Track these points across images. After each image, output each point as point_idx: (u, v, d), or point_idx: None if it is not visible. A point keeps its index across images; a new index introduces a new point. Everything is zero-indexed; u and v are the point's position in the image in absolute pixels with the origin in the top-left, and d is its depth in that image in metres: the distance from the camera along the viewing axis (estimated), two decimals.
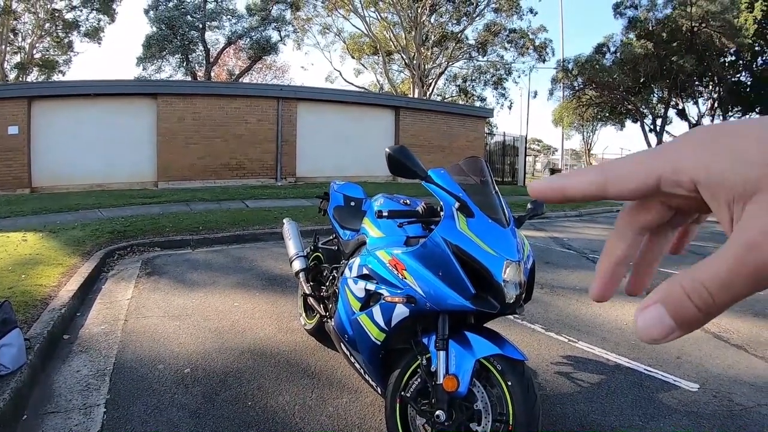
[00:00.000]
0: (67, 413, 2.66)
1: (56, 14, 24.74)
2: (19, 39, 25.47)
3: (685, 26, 22.33)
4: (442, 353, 1.98)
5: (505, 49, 28.45)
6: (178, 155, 14.38)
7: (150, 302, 4.63)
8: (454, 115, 19.40)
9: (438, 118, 18.76)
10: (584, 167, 0.34)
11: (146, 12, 23.85)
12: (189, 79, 25.58)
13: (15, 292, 4.20)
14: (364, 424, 2.56)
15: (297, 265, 3.54)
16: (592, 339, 3.81)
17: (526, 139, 22.18)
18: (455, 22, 27.44)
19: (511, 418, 1.86)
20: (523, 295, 2.07)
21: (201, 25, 24.25)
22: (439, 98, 30.80)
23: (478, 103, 29.91)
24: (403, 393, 2.15)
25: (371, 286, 2.30)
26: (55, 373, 3.14)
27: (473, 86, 30.77)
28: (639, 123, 26.40)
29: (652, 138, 25.91)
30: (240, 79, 28.86)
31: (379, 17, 26.87)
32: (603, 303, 4.49)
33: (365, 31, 27.64)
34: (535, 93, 42.33)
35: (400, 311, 2.14)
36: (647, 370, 3.26)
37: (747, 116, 22.00)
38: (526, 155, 22.33)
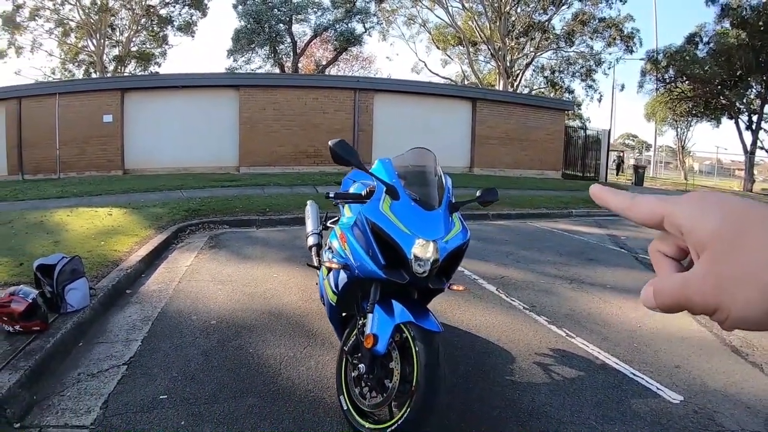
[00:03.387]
0: (112, 343, 3.35)
1: (151, 10, 26.99)
2: (117, 33, 28.04)
3: None
4: (369, 315, 2.29)
5: (591, 39, 27.08)
6: (259, 143, 15.46)
7: (204, 269, 5.32)
8: (532, 107, 18.96)
9: (516, 110, 18.44)
10: (645, 197, 0.41)
11: (235, 7, 25.43)
12: (277, 71, 27.07)
13: (93, 254, 5.07)
14: (333, 377, 2.90)
15: (310, 241, 3.99)
16: (592, 336, 3.80)
17: (609, 133, 21.05)
18: (541, 11, 26.55)
19: (414, 380, 2.10)
20: (435, 271, 2.29)
21: (287, 18, 25.47)
22: (526, 90, 30.01)
23: (566, 96, 28.78)
24: (344, 348, 2.49)
25: (329, 256, 2.71)
26: (113, 316, 3.88)
27: (561, 78, 29.61)
28: (734, 120, 24.03)
29: (747, 136, 23.43)
30: (326, 70, 29.97)
31: (463, 7, 26.66)
32: (627, 303, 4.47)
33: (449, 22, 27.57)
34: (622, 86, 39.51)
35: (342, 277, 2.52)
36: (634, 374, 3.19)
37: None
38: (609, 150, 21.22)
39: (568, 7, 26.33)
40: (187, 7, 27.52)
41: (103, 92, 15.16)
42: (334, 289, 2.62)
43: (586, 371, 3.23)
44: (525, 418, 2.61)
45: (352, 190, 3.06)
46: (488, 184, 13.51)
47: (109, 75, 25.32)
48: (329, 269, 2.69)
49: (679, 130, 34.15)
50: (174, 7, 27.57)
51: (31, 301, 3.04)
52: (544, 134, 18.77)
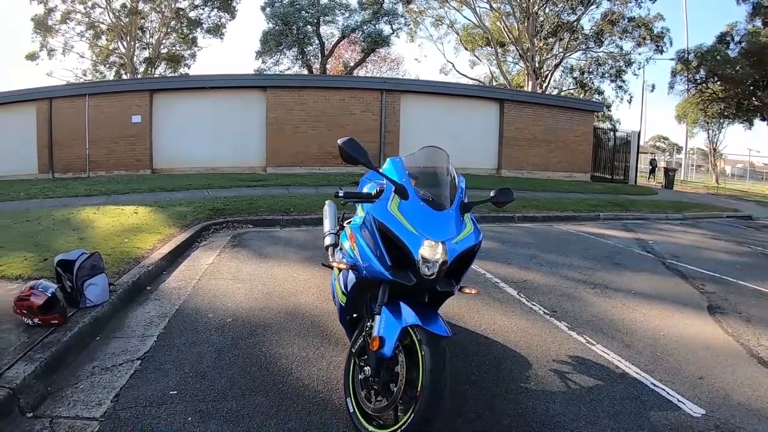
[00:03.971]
0: (128, 338, 3.40)
1: (180, 13, 27.67)
2: (147, 36, 28.79)
3: None
4: (377, 317, 2.24)
5: (621, 39, 26.49)
6: (286, 143, 15.61)
7: (224, 268, 5.36)
8: (560, 109, 18.64)
9: (544, 111, 18.14)
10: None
11: (263, 9, 25.82)
12: (305, 72, 27.34)
13: (116, 251, 5.17)
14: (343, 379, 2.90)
15: (327, 240, 3.97)
16: (613, 344, 3.66)
17: (639, 135, 20.52)
18: (570, 10, 26.11)
19: (420, 385, 2.04)
20: (443, 273, 2.22)
21: (315, 20, 25.71)
22: (555, 91, 29.58)
23: (596, 97, 28.24)
24: (352, 350, 2.45)
25: (340, 256, 2.67)
26: (131, 311, 3.93)
27: (591, 79, 29.07)
28: (767, 122, 23.14)
29: None
30: (354, 72, 30.13)
31: (491, 7, 26.43)
32: (652, 311, 4.32)
33: (477, 23, 27.37)
34: (653, 86, 38.46)
35: (351, 278, 2.49)
36: (654, 384, 3.06)
37: None
38: (639, 152, 20.69)
39: (597, 7, 25.94)
40: (216, 10, 28.15)
41: (132, 93, 15.59)
42: (344, 290, 2.59)
43: (605, 381, 3.09)
44: (537, 428, 2.51)
45: (365, 189, 3.03)
46: (517, 187, 13.41)
47: (139, 76, 26.00)
48: (339, 270, 2.66)
49: (710, 132, 33.18)
50: (203, 9, 28.25)
51: (50, 295, 3.10)
52: (573, 136, 18.44)
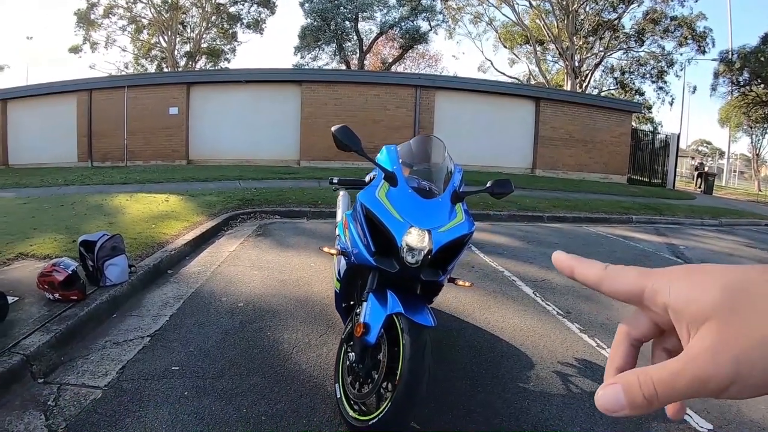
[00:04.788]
0: (142, 317, 3.56)
1: (221, 8, 28.15)
2: (188, 30, 29.47)
3: None
4: (364, 304, 2.27)
5: (662, 38, 25.55)
6: (320, 137, 15.74)
7: (245, 255, 5.50)
8: (598, 108, 18.19)
9: (581, 110, 17.74)
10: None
11: (301, 4, 26.03)
12: (343, 67, 27.51)
13: (142, 235, 5.39)
14: None
15: (337, 230, 4.05)
16: None
17: (678, 137, 19.75)
18: (611, 9, 25.37)
19: (398, 373, 2.05)
20: (427, 262, 2.21)
21: (353, 16, 25.81)
22: (595, 91, 28.81)
23: (637, 98, 27.37)
24: (342, 336, 2.49)
25: (336, 243, 2.73)
26: (149, 292, 4.11)
27: (632, 79, 28.19)
28: None
29: None
30: (392, 68, 30.14)
31: (531, 5, 25.97)
32: None
33: (516, 20, 26.95)
34: (694, 88, 36.97)
35: (342, 264, 2.53)
36: None
37: None
38: (677, 155, 19.95)
39: (638, 5, 25.12)
40: (255, 5, 28.52)
41: (169, 86, 16.16)
42: (338, 276, 2.64)
43: None
44: (528, 429, 2.47)
45: (366, 179, 3.07)
46: (550, 186, 13.27)
47: (179, 70, 26.73)
48: (333, 255, 2.71)
49: (753, 137, 31.62)
50: (243, 5, 28.67)
51: (70, 272, 3.28)
52: (610, 137, 17.96)
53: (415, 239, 2.18)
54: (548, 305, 4.39)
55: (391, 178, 2.34)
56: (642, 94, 28.45)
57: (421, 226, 2.19)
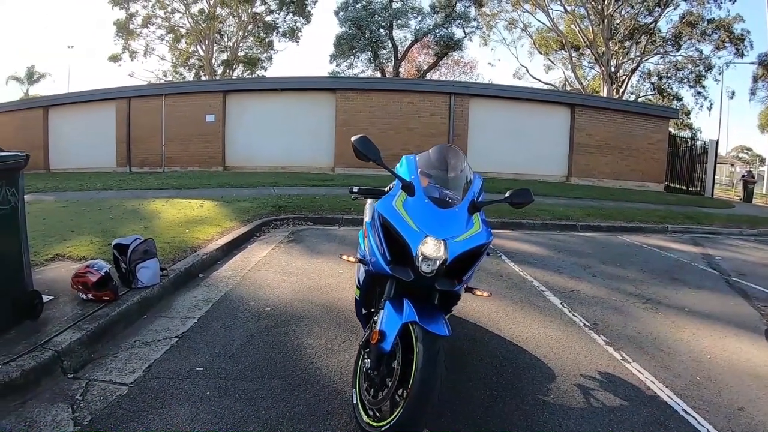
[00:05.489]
0: (171, 319, 3.68)
1: (257, 17, 28.79)
2: (225, 39, 30.18)
3: None
4: (381, 311, 2.28)
5: (699, 41, 24.78)
6: None
7: (276, 261, 5.60)
8: (634, 115, 17.77)
9: (617, 117, 17.36)
10: None
11: (336, 13, 26.50)
12: (378, 75, 27.75)
13: (175, 239, 5.56)
14: None
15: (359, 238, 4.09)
16: (651, 363, 3.43)
17: (717, 144, 19.02)
18: (646, 12, 24.77)
19: (411, 381, 2.04)
20: (442, 272, 2.21)
21: (388, 24, 26.03)
22: (632, 97, 28.15)
23: (674, 104, 26.60)
24: (360, 342, 2.49)
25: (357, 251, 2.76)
26: (180, 295, 4.23)
27: (669, 84, 27.42)
28: None
29: None
30: (427, 75, 30.21)
31: (565, 10, 25.62)
32: (702, 331, 4.03)
33: (550, 26, 26.64)
34: (732, 93, 35.65)
35: (362, 272, 2.56)
36: (686, 411, 2.81)
37: None
38: (716, 162, 19.22)
39: (674, 8, 24.48)
40: (291, 14, 29.07)
41: (206, 94, 16.71)
42: (358, 284, 2.67)
43: (631, 402, 2.88)
44: None
45: (386, 188, 3.10)
46: (585, 195, 13.01)
47: (217, 78, 27.47)
48: (351, 263, 2.74)
49: None
50: (278, 14, 29.29)
51: (103, 273, 3.42)
52: (647, 143, 17.50)
53: (430, 249, 2.18)
54: (575, 316, 4.30)
55: (408, 188, 2.36)
56: (680, 99, 27.68)
57: (437, 235, 2.20)
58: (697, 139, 20.37)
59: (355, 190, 2.63)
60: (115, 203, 8.37)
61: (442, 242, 2.19)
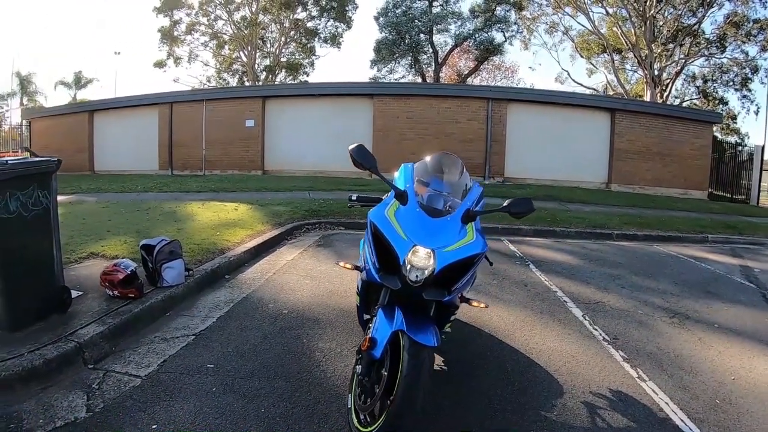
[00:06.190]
0: (192, 317, 3.87)
1: (298, 23, 29.29)
2: (267, 45, 30.85)
3: None
4: (374, 319, 2.33)
5: (744, 42, 23.62)
6: (391, 150, 15.85)
7: (302, 264, 5.72)
8: (676, 119, 17.09)
9: (658, 122, 16.73)
10: None
11: (376, 19, 26.70)
12: (419, 80, 27.80)
13: (205, 241, 5.78)
14: None
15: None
16: (668, 383, 3.27)
17: (762, 149, 18.00)
18: (690, 13, 23.83)
19: (395, 390, 2.06)
20: (430, 281, 2.21)
21: (428, 29, 26.04)
22: (677, 101, 27.11)
23: (720, 108, 25.46)
24: (356, 349, 2.52)
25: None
26: (203, 295, 4.41)
27: (714, 88, 26.27)
28: None
29: None
30: (467, 80, 30.04)
31: (607, 13, 24.97)
32: (730, 349, 3.86)
33: (592, 29, 26.02)
34: None
35: (359, 279, 2.61)
36: None
37: None
38: (761, 169, 18.19)
39: (718, 9, 23.43)
40: (332, 20, 29.42)
41: (246, 99, 17.19)
42: (358, 291, 2.74)
43: (640, 424, 2.74)
44: None
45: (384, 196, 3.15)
46: (624, 203, 12.62)
47: (260, 83, 28.14)
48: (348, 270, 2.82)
49: None
50: (319, 20, 29.67)
51: (129, 272, 3.63)
52: (689, 149, 16.77)
53: (419, 258, 2.20)
54: (595, 329, 4.19)
55: (401, 197, 2.40)
56: (726, 103, 26.47)
57: (426, 245, 2.21)
58: (744, 145, 19.43)
59: (354, 197, 2.70)
60: (154, 205, 8.73)
61: (431, 251, 2.20)
